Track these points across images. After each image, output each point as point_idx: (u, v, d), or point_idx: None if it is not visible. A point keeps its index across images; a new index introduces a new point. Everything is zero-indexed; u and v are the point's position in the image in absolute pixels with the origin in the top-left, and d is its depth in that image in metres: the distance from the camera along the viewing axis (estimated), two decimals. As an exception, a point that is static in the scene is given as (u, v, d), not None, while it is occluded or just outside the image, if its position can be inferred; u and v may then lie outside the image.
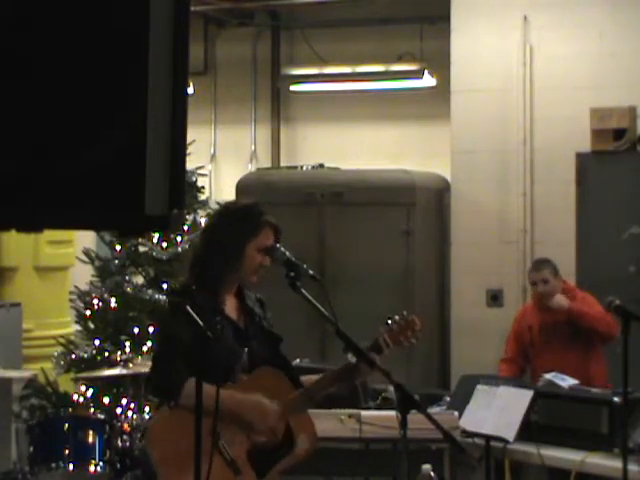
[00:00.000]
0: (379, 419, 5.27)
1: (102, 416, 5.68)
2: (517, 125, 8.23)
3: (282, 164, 10.06)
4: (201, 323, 3.62)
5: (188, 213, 7.32)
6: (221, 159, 10.42)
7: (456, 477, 5.61)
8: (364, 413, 5.38)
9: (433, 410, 5.60)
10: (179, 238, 7.23)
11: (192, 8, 1.82)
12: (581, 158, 7.99)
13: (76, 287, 7.51)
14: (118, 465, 5.42)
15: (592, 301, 6.44)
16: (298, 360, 6.19)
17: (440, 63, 8.80)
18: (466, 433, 5.41)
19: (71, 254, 8.69)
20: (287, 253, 4.00)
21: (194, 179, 7.51)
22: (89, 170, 1.67)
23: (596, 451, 5.38)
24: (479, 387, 5.69)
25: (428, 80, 9.21)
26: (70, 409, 6.68)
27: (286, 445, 4.05)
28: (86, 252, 7.49)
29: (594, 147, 7.92)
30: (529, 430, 5.49)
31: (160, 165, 1.70)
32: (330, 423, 5.25)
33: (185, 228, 7.25)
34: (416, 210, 8.26)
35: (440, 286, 8.60)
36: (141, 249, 7.32)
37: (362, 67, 9.43)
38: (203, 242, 4.27)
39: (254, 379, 4.07)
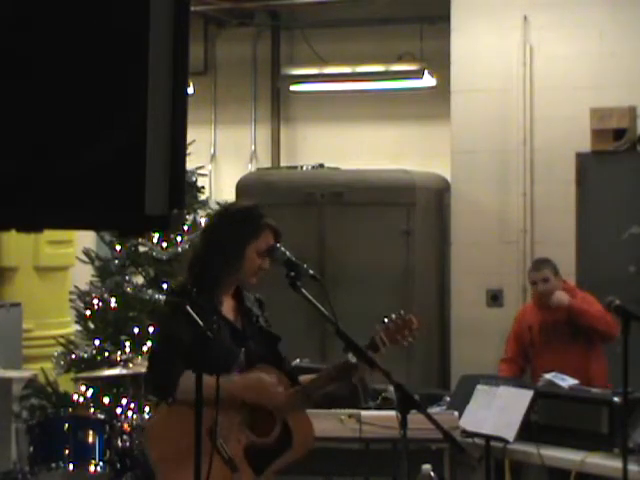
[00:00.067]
0: (379, 419, 5.27)
1: (102, 416, 5.69)
2: (517, 125, 8.23)
3: (282, 164, 10.06)
4: (201, 323, 3.63)
5: (188, 213, 7.33)
6: (221, 159, 10.42)
7: (456, 477, 5.61)
8: (364, 413, 5.38)
9: (433, 410, 5.59)
10: (179, 238, 7.23)
11: (192, 8, 1.82)
12: (581, 158, 7.99)
13: (76, 287, 7.51)
14: (118, 465, 5.42)
15: (592, 300, 6.44)
16: (298, 360, 6.19)
17: (440, 63, 8.80)
18: (466, 433, 5.41)
19: (71, 254, 8.70)
20: (287, 253, 4.01)
21: (194, 179, 7.51)
22: (89, 170, 1.67)
23: (596, 451, 5.38)
24: (479, 387, 5.69)
25: (428, 80, 9.21)
26: (70, 409, 6.68)
27: (283, 443, 4.06)
28: (86, 252, 7.49)
29: (594, 147, 7.92)
30: (529, 430, 5.49)
31: (160, 165, 1.70)
32: (330, 423, 5.25)
33: (185, 228, 7.25)
34: (416, 210, 8.26)
35: (440, 286, 8.60)
36: (141, 249, 7.32)
37: (362, 67, 9.43)
38: (203, 242, 4.28)
39: None
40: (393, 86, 9.49)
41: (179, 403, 3.88)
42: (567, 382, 5.78)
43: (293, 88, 9.94)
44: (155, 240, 7.23)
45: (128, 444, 5.51)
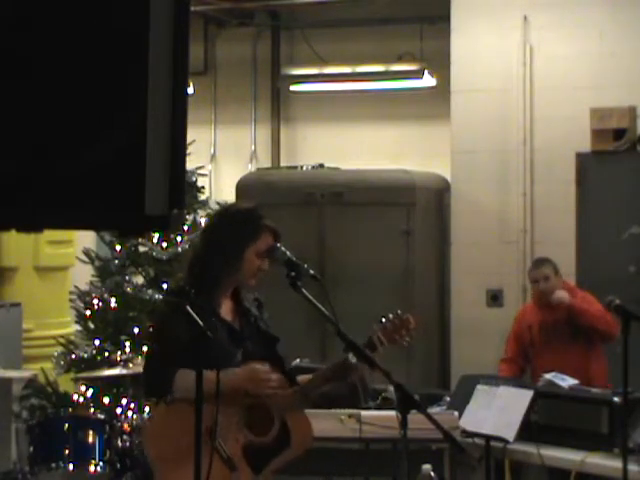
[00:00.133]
0: (379, 419, 5.27)
1: (102, 416, 5.69)
2: (517, 125, 8.23)
3: (282, 164, 10.06)
4: (201, 323, 3.64)
5: (188, 213, 7.32)
6: (221, 159, 10.42)
7: (456, 477, 5.61)
8: (364, 413, 5.38)
9: (433, 410, 5.59)
10: (179, 238, 7.23)
11: (192, 8, 1.82)
12: (581, 158, 7.99)
13: (76, 287, 7.51)
14: (118, 465, 5.42)
15: (592, 300, 6.45)
16: (298, 360, 6.19)
17: (440, 63, 8.80)
18: (466, 433, 5.41)
19: (71, 254, 8.69)
20: (288, 253, 4.01)
21: (194, 179, 7.50)
22: (89, 170, 1.67)
23: (596, 451, 5.38)
24: (479, 387, 5.69)
25: (428, 80, 9.21)
26: (70, 409, 6.68)
27: (282, 442, 4.07)
28: (86, 252, 7.49)
29: (594, 147, 7.92)
30: (529, 430, 5.49)
31: (160, 165, 1.70)
32: (330, 423, 5.25)
33: (185, 228, 7.25)
34: (416, 210, 8.25)
35: (440, 286, 8.60)
36: (141, 249, 7.32)
37: (362, 67, 9.43)
38: (203, 243, 4.29)
39: None
40: (393, 86, 9.49)
41: (178, 401, 3.89)
42: (567, 382, 5.78)
43: (293, 88, 9.94)
44: (155, 240, 7.22)
45: (128, 444, 5.51)
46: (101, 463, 5.36)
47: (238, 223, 4.17)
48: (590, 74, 8.04)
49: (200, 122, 9.80)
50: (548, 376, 5.85)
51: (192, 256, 4.40)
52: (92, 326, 7.30)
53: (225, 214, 4.39)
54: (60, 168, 1.67)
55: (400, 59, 9.43)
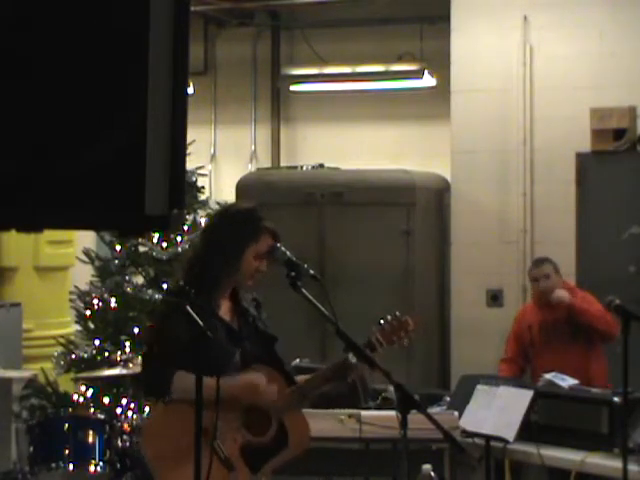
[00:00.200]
0: (379, 419, 5.27)
1: (102, 416, 5.68)
2: (517, 125, 8.23)
3: (282, 164, 10.06)
4: (201, 323, 3.64)
5: (188, 213, 7.32)
6: (221, 159, 10.42)
7: (456, 477, 5.61)
8: (364, 413, 5.38)
9: (433, 410, 5.59)
10: (179, 238, 7.22)
11: (192, 8, 1.82)
12: (581, 158, 7.99)
13: (76, 287, 7.51)
14: (118, 465, 5.41)
15: (592, 300, 6.45)
16: (298, 360, 6.19)
17: (440, 63, 8.80)
18: (466, 433, 5.41)
19: (71, 254, 8.69)
20: (288, 253, 4.02)
21: (194, 179, 7.50)
22: (89, 170, 1.67)
23: (596, 451, 5.38)
24: (479, 387, 5.69)
25: (428, 80, 9.21)
26: (70, 409, 6.68)
27: (279, 443, 4.07)
28: (86, 252, 7.49)
29: (594, 147, 7.92)
30: (529, 430, 5.49)
31: (160, 165, 1.70)
32: (330, 423, 5.25)
33: (185, 228, 7.25)
34: (416, 210, 8.25)
35: (440, 286, 8.60)
36: (141, 249, 7.32)
37: (362, 67, 9.43)
38: (203, 243, 4.29)
39: None
40: (393, 86, 9.48)
41: (176, 402, 3.89)
42: (567, 382, 5.78)
43: (293, 88, 9.94)
44: (155, 240, 7.22)
45: (128, 444, 5.51)
46: (101, 463, 5.36)
47: (238, 223, 4.17)
48: (590, 74, 8.04)
49: (200, 122, 9.80)
50: (548, 376, 5.85)
51: (192, 256, 4.40)
52: (92, 326, 7.30)
53: (225, 214, 4.39)
54: (60, 168, 1.67)
55: (400, 59, 9.43)
